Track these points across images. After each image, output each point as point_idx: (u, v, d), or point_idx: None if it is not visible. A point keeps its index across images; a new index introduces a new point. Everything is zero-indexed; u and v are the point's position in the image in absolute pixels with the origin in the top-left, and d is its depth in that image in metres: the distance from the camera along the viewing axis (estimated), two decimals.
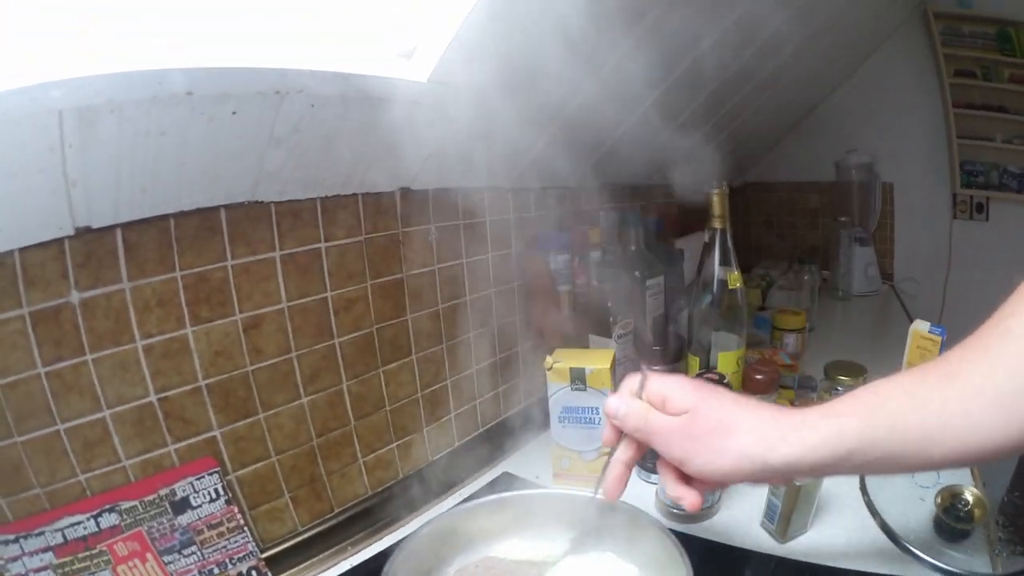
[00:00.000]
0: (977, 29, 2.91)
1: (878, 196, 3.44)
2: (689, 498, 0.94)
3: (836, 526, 1.33)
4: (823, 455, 0.84)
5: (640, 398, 0.98)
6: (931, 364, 0.86)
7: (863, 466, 0.85)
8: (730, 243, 1.55)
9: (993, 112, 2.97)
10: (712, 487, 0.99)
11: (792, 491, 1.24)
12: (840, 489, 1.40)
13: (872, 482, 1.28)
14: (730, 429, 0.89)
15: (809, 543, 1.29)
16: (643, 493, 1.46)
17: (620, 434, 1.00)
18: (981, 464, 1.47)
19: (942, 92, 3.08)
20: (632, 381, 0.99)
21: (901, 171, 3.39)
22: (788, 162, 3.79)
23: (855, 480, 1.30)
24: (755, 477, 0.87)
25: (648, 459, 1.50)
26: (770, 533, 1.32)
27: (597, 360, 1.46)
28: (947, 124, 3.11)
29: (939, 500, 1.28)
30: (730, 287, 1.55)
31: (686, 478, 0.95)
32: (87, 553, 1.01)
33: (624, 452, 1.01)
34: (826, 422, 0.85)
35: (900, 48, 3.22)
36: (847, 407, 0.86)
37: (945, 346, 1.53)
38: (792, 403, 1.83)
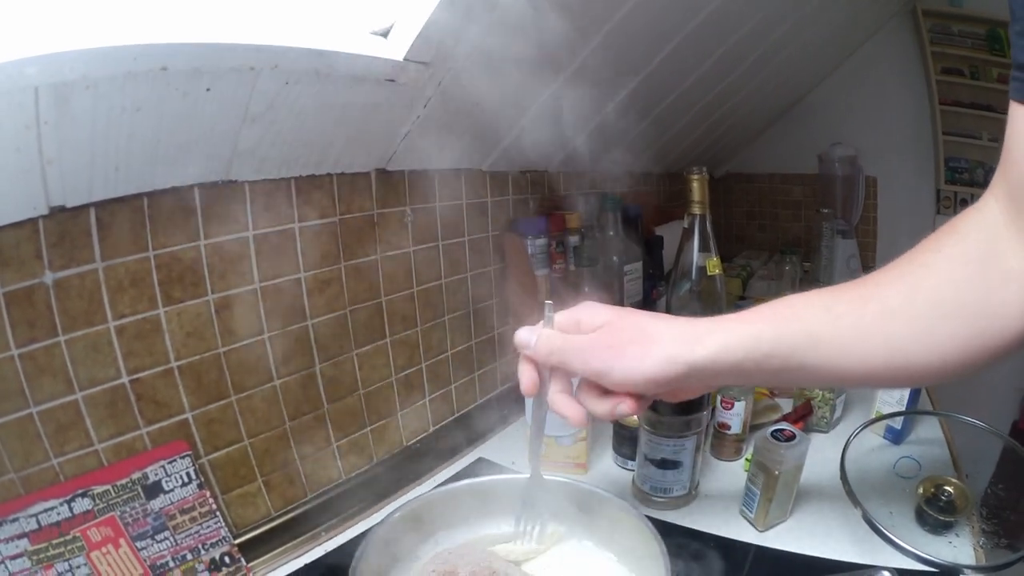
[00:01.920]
0: (967, 29, 2.91)
1: (862, 189, 3.43)
2: (614, 408, 0.93)
3: (816, 515, 1.34)
4: (740, 355, 0.87)
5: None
6: (846, 285, 0.92)
7: (782, 372, 0.89)
8: (710, 229, 1.55)
9: (980, 111, 2.97)
10: (634, 398, 0.92)
11: (771, 480, 1.24)
12: (820, 478, 1.41)
13: (853, 472, 1.28)
14: (651, 336, 0.90)
15: (788, 532, 1.31)
16: (620, 480, 1.46)
17: (538, 372, 0.97)
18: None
19: (929, 89, 3.08)
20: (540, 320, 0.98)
21: (885, 165, 3.38)
22: (771, 153, 3.78)
23: (835, 471, 1.30)
24: (678, 381, 0.88)
25: (624, 445, 1.50)
26: (749, 521, 1.33)
27: None
28: (933, 120, 3.11)
29: (921, 491, 1.29)
30: (709, 273, 1.54)
31: (605, 393, 0.94)
32: (61, 539, 0.99)
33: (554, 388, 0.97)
34: (741, 326, 0.90)
35: (888, 44, 3.21)
36: (762, 315, 0.91)
37: None
38: (771, 392, 1.84)
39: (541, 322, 0.97)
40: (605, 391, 0.93)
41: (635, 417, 1.35)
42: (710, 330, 0.90)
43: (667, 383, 0.89)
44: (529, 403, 0.97)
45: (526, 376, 0.97)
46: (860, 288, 0.90)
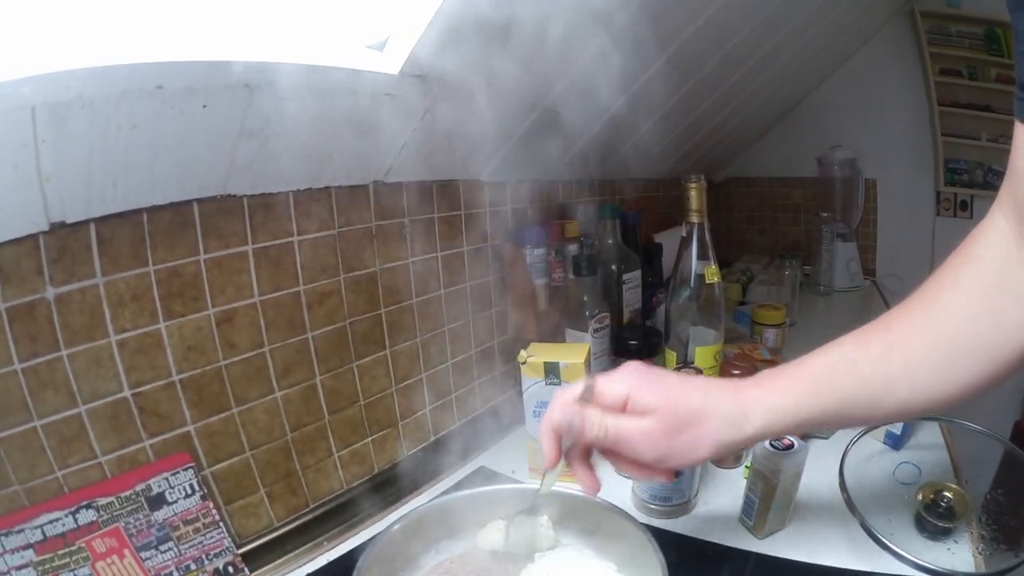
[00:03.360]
0: (964, 29, 2.91)
1: (861, 192, 3.43)
2: (649, 478, 0.99)
3: (815, 522, 1.34)
4: (781, 428, 0.93)
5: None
6: (870, 333, 0.94)
7: (816, 426, 1.00)
8: (708, 237, 1.56)
9: (979, 111, 2.97)
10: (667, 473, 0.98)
11: (770, 488, 1.24)
12: (819, 486, 1.41)
13: (852, 479, 1.28)
14: (700, 420, 0.91)
15: (787, 539, 1.30)
16: (619, 489, 1.46)
17: (561, 450, 0.97)
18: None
19: (927, 90, 3.08)
20: (572, 389, 0.96)
21: (885, 168, 3.38)
22: (771, 157, 3.78)
23: (834, 477, 1.30)
24: (725, 455, 0.94)
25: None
26: (748, 529, 1.32)
27: (572, 354, 1.46)
28: (932, 122, 3.11)
29: (920, 497, 1.28)
30: (708, 281, 1.55)
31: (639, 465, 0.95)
32: (66, 550, 1.00)
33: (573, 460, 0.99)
34: (783, 400, 0.92)
35: (886, 45, 3.22)
36: (799, 381, 0.94)
37: None
38: None
39: (572, 393, 0.95)
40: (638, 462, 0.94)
41: None
42: (754, 408, 0.92)
43: (708, 460, 1.03)
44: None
45: (552, 450, 0.97)
46: (884, 335, 0.93)
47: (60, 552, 1.00)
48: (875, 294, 3.30)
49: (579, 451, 0.98)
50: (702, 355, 1.58)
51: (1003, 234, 0.86)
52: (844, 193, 3.41)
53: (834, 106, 3.47)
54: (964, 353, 0.86)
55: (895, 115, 3.25)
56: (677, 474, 1.32)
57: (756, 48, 2.30)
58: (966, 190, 3.14)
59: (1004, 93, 2.88)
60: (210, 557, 1.17)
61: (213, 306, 1.17)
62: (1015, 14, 0.76)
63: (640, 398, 0.92)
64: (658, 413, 0.90)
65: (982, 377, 0.86)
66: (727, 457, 0.99)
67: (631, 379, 0.94)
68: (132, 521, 1.07)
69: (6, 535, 0.95)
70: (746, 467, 1.43)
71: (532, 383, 1.47)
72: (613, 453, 0.95)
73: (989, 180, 3.05)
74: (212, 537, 1.17)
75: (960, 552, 1.21)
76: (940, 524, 1.24)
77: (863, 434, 1.43)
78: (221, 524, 1.19)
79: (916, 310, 0.91)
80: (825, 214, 3.25)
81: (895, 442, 1.56)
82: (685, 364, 1.58)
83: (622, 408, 0.93)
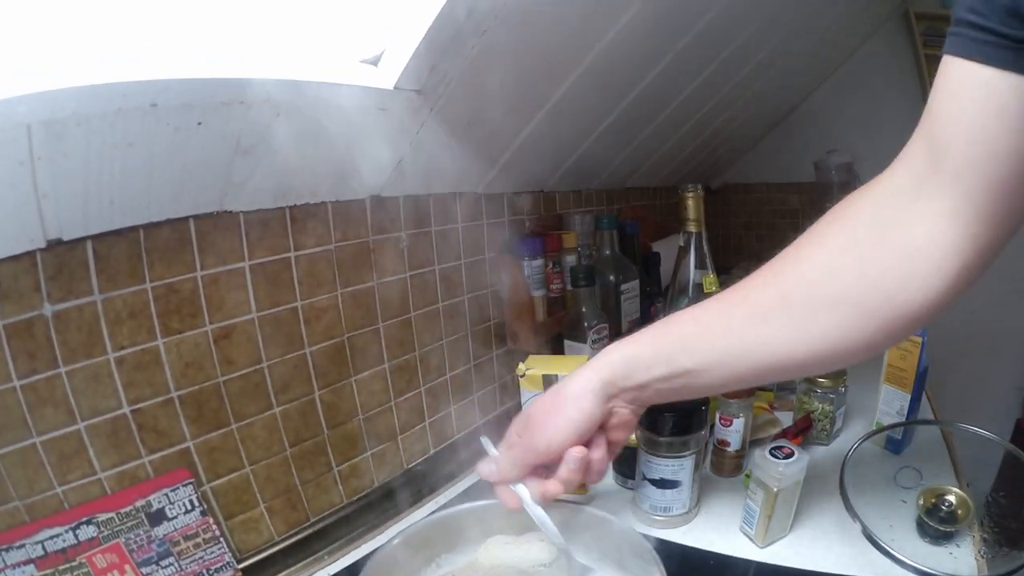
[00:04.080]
0: None
1: None
2: (571, 459, 1.03)
3: (816, 530, 1.34)
4: (628, 369, 0.98)
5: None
6: (720, 294, 0.99)
7: (673, 379, 0.97)
8: (706, 246, 1.56)
9: None
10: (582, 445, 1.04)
11: (770, 496, 1.25)
12: (821, 491, 1.41)
13: (852, 485, 1.28)
14: (558, 394, 1.04)
15: (789, 548, 1.30)
16: (620, 500, 1.46)
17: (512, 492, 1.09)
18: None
19: (923, 92, 3.05)
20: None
21: (882, 171, 3.33)
22: (767, 163, 3.76)
23: (835, 484, 1.30)
24: (597, 409, 1.01)
25: (624, 464, 1.50)
26: (749, 538, 1.33)
27: (570, 367, 1.44)
28: None
29: (921, 501, 1.28)
30: (706, 291, 1.56)
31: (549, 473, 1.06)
32: (67, 565, 1.00)
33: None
34: (623, 345, 1.01)
35: (881, 48, 3.21)
36: (644, 334, 1.01)
37: (926, 348, 1.55)
38: (771, 404, 1.85)
39: (488, 453, 1.12)
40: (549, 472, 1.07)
41: (633, 436, 1.35)
42: (597, 357, 1.03)
43: (591, 417, 1.01)
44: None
45: (507, 497, 1.09)
46: (732, 294, 0.97)
47: (61, 567, 1.00)
48: None
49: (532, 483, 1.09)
50: None
51: (897, 190, 0.86)
52: (841, 197, 3.36)
53: (830, 110, 3.46)
54: (821, 306, 0.87)
55: (891, 118, 3.21)
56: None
57: (751, 56, 2.30)
58: None
59: None
60: (211, 572, 1.17)
61: (211, 322, 1.17)
62: None
63: (516, 423, 1.10)
64: (526, 419, 1.08)
65: (853, 333, 0.86)
66: (619, 421, 1.01)
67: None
68: (132, 537, 1.08)
69: (7, 550, 0.95)
70: (746, 476, 1.44)
71: (531, 395, 1.46)
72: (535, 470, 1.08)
73: None
74: (213, 552, 1.17)
75: (962, 556, 1.21)
76: (942, 528, 1.24)
77: (863, 440, 1.43)
78: (221, 539, 1.19)
79: (767, 270, 0.95)
80: None
81: (896, 447, 1.57)
82: None
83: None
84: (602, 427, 1.05)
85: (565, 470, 1.02)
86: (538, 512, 1.07)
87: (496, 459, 1.09)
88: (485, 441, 1.14)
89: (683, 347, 0.95)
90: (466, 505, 1.25)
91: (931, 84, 0.82)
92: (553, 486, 1.05)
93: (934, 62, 2.52)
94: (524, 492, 1.07)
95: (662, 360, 0.96)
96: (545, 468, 1.07)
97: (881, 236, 0.84)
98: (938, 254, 0.80)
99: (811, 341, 0.88)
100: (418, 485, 1.58)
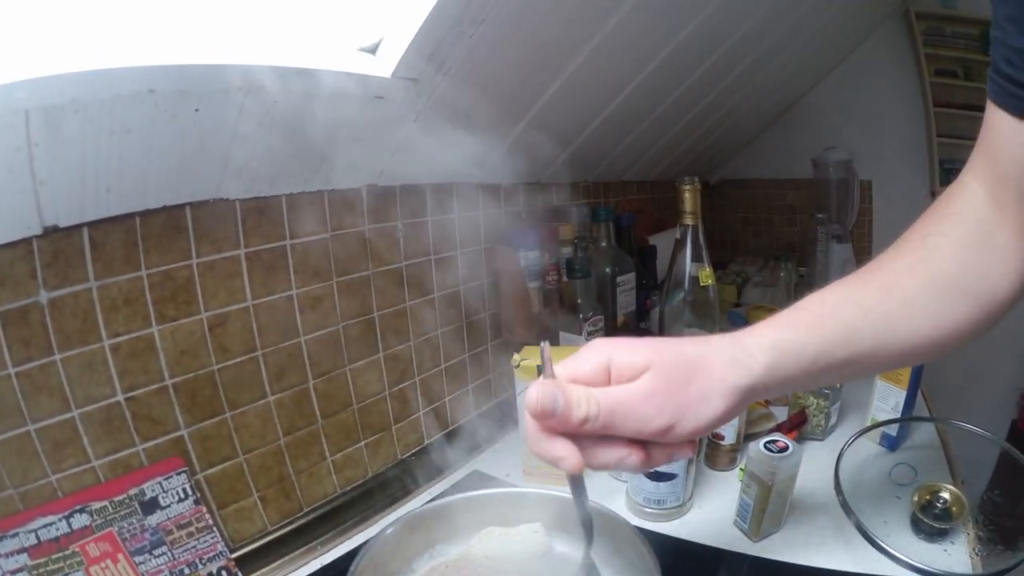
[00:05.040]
0: (960, 30, 2.90)
1: (856, 193, 3.43)
2: (685, 451, 0.79)
3: (810, 525, 1.34)
4: (792, 367, 0.83)
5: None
6: (867, 273, 0.95)
7: (826, 371, 0.87)
8: (702, 239, 1.56)
9: (974, 112, 2.93)
10: (689, 443, 0.79)
11: (765, 490, 1.24)
12: (816, 486, 1.41)
13: (847, 481, 1.28)
14: (704, 366, 0.77)
15: (783, 542, 1.30)
16: (613, 492, 1.46)
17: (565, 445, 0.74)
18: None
19: (923, 91, 3.07)
20: (543, 376, 0.77)
21: (880, 169, 3.38)
22: (766, 158, 3.77)
23: (830, 479, 1.30)
24: (740, 408, 0.82)
25: None
26: (743, 532, 1.33)
27: (564, 358, 1.45)
28: (927, 123, 3.11)
29: (916, 498, 1.28)
30: (702, 284, 1.55)
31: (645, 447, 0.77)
32: (60, 554, 1.00)
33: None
34: (785, 335, 0.83)
35: (881, 46, 3.21)
36: (800, 320, 0.87)
37: None
38: (765, 401, 1.84)
39: (545, 375, 0.76)
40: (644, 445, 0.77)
41: None
42: (758, 344, 0.81)
43: (730, 417, 0.80)
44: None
45: (567, 451, 0.74)
46: (880, 278, 0.93)
47: (54, 556, 0.99)
48: None
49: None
50: None
51: (977, 194, 0.91)
52: (839, 194, 3.39)
53: (829, 107, 3.46)
54: (954, 295, 0.89)
55: (890, 116, 3.25)
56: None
57: (751, 50, 2.30)
58: None
59: None
60: (204, 561, 1.16)
61: (206, 310, 1.17)
62: (995, 3, 0.78)
63: (625, 361, 0.75)
64: (653, 369, 0.74)
65: (970, 321, 0.89)
66: (723, 455, 0.95)
67: (606, 347, 0.78)
68: (126, 525, 1.07)
69: (1, 539, 0.95)
70: (740, 469, 1.43)
71: (525, 386, 1.45)
72: (609, 440, 0.75)
73: None
74: (206, 541, 1.17)
75: (956, 553, 1.21)
76: (936, 525, 1.24)
77: (858, 436, 1.44)
78: (215, 528, 1.19)
79: (907, 253, 0.94)
80: (820, 215, 3.20)
81: (891, 443, 1.56)
82: None
83: (605, 381, 0.75)
84: None
85: (663, 458, 0.78)
86: (582, 490, 0.84)
87: (580, 398, 0.72)
88: (544, 347, 0.79)
89: (848, 334, 0.86)
90: (460, 496, 1.25)
91: (931, 84, 0.85)
92: (614, 455, 0.75)
93: (934, 61, 2.51)
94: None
95: (826, 352, 0.83)
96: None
97: (984, 235, 0.89)
98: (1015, 256, 0.88)
99: (943, 327, 0.89)
100: (412, 475, 1.58)
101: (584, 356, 0.78)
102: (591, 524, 0.87)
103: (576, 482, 0.83)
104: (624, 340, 0.79)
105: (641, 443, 0.76)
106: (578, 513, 0.86)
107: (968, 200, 0.92)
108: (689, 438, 0.77)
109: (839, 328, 0.87)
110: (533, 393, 0.72)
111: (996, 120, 0.83)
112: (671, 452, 0.78)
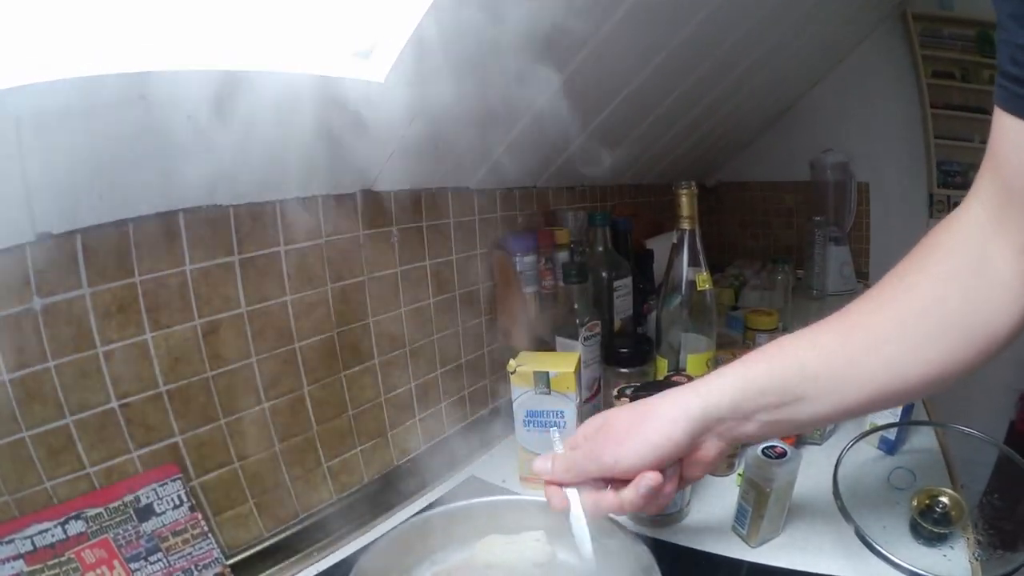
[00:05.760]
0: (957, 31, 2.92)
1: (853, 195, 3.44)
2: (637, 484, 0.96)
3: (808, 531, 1.33)
4: (737, 396, 0.93)
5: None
6: (831, 318, 0.95)
7: (783, 407, 0.92)
8: (699, 244, 1.55)
9: (972, 113, 2.97)
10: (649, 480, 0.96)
11: (763, 496, 1.24)
12: (814, 492, 1.41)
13: (846, 486, 1.28)
14: (649, 411, 0.98)
15: (781, 548, 1.29)
16: None
17: (560, 493, 1.04)
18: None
19: (920, 92, 3.08)
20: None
21: (877, 171, 3.39)
22: (763, 161, 3.78)
23: (828, 484, 1.29)
24: (687, 438, 0.95)
25: None
26: (741, 538, 1.32)
27: (561, 363, 1.46)
28: (924, 124, 3.11)
29: (915, 503, 1.27)
30: (699, 288, 1.55)
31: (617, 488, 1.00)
32: (56, 560, 1.00)
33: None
34: (733, 369, 0.95)
35: (878, 48, 3.22)
36: (752, 358, 0.96)
37: None
38: None
39: (554, 447, 1.09)
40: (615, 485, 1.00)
41: None
42: (703, 381, 0.97)
43: (676, 446, 0.95)
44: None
45: (554, 497, 1.04)
46: (844, 319, 0.94)
47: (50, 563, 0.99)
48: None
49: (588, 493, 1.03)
50: (694, 362, 1.58)
51: (978, 224, 0.87)
52: (837, 196, 3.41)
53: (826, 109, 3.48)
54: (934, 332, 0.87)
55: (887, 118, 3.26)
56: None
57: (747, 52, 2.30)
58: (959, 192, 3.04)
59: None
60: (199, 568, 1.16)
61: (199, 317, 1.17)
62: (997, 2, 0.77)
63: (588, 426, 1.07)
64: (602, 426, 1.03)
65: (960, 358, 0.87)
66: (702, 456, 0.97)
67: (585, 422, 1.09)
68: (121, 532, 1.07)
69: None
70: (738, 475, 1.43)
71: (522, 392, 1.46)
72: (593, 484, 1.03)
73: None
74: (201, 548, 1.17)
75: (956, 558, 1.21)
76: (936, 530, 1.23)
77: (857, 440, 1.43)
78: (210, 535, 1.19)
79: (879, 295, 0.93)
80: (818, 218, 3.23)
81: (889, 447, 1.56)
82: (677, 371, 1.58)
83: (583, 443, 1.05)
84: (680, 458, 1.01)
85: (632, 493, 0.96)
86: (580, 523, 1.01)
87: (555, 457, 1.05)
88: (554, 434, 1.12)
89: (802, 371, 0.92)
90: (461, 503, 1.25)
91: (928, 86, 0.84)
92: (611, 502, 0.99)
93: (931, 63, 2.51)
94: (575, 498, 1.02)
95: (777, 385, 0.93)
96: (603, 480, 1.02)
97: (977, 267, 0.86)
98: (1018, 284, 0.83)
99: (922, 366, 0.88)
100: (408, 482, 1.58)
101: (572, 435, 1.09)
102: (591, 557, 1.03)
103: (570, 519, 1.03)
104: (597, 414, 1.08)
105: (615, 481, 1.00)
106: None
107: (962, 228, 0.90)
108: (639, 469, 0.95)
109: (792, 361, 0.92)
110: (537, 461, 1.07)
111: (1003, 127, 0.80)
112: (636, 480, 0.95)
